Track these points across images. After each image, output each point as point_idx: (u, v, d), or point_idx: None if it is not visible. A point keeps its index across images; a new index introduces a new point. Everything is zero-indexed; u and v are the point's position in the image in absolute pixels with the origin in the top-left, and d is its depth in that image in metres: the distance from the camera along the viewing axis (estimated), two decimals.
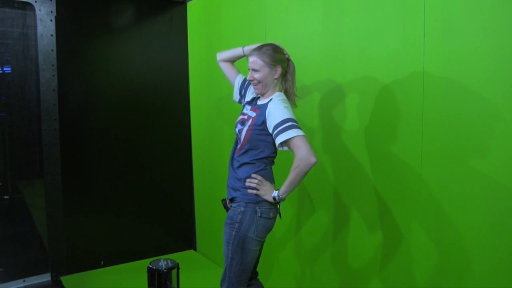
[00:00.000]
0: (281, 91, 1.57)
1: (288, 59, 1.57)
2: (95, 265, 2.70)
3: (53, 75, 2.39)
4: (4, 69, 2.44)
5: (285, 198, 1.48)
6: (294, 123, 1.40)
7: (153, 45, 2.79)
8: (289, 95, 1.56)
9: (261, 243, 1.55)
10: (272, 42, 1.61)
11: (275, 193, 1.47)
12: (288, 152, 1.48)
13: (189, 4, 2.89)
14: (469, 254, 1.38)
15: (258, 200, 1.49)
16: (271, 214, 1.51)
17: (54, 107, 2.39)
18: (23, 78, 2.45)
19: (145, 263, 2.10)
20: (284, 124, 1.39)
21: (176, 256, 2.75)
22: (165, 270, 1.91)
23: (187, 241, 3.06)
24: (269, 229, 1.54)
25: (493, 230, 1.31)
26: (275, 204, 1.51)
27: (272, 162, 1.57)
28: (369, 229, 1.74)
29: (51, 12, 2.36)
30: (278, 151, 1.54)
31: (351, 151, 1.77)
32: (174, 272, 1.96)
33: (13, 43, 2.41)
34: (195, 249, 3.08)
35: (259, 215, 1.48)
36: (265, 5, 2.19)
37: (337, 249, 1.90)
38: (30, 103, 2.50)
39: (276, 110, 1.43)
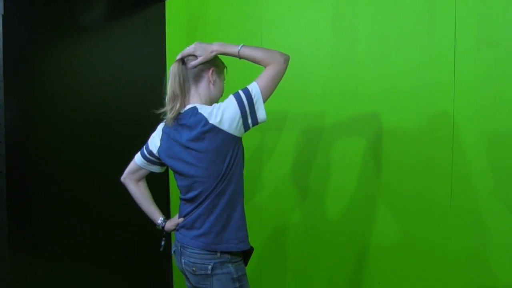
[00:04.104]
0: None
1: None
2: None
3: None
4: None
5: (163, 228, 1.51)
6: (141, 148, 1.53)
7: (125, 51, 2.58)
8: None
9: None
10: None
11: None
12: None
13: (168, 2, 2.75)
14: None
15: None
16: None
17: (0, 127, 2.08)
18: None
19: None
20: None
21: None
22: None
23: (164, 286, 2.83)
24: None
25: None
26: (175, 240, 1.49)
27: (181, 193, 1.47)
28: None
29: None
30: (181, 186, 1.45)
31: (365, 179, 1.70)
32: None
33: None
34: None
35: None
36: (261, 5, 2.05)
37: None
38: None
39: None
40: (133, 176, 1.50)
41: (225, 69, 1.41)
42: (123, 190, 2.58)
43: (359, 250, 1.72)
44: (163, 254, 2.77)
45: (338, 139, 1.76)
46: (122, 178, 1.51)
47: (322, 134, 1.83)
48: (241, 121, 1.26)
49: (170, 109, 1.32)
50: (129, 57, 2.58)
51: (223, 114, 1.25)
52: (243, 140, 1.35)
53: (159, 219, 1.50)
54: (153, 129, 2.55)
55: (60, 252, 2.34)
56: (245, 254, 1.38)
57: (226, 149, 1.28)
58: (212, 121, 1.25)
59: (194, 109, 1.30)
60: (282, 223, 1.99)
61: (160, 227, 1.49)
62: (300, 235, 1.94)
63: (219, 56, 1.38)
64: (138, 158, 1.50)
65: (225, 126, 1.25)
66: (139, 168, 1.49)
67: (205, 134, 1.26)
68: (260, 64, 1.32)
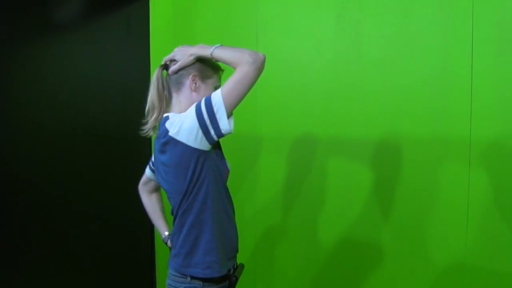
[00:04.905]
0: None
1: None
2: None
3: None
4: None
5: (166, 244, 1.52)
6: None
7: (103, 53, 2.48)
8: None
9: None
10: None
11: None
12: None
13: None
14: None
15: None
16: None
17: None
18: None
19: None
20: None
21: None
22: None
23: None
24: None
25: None
26: None
27: None
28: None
29: None
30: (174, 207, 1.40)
31: (370, 194, 1.65)
32: None
33: None
34: None
35: None
36: (257, 0, 1.97)
37: None
38: None
39: None
40: (145, 187, 1.53)
41: (219, 73, 1.28)
42: (98, 202, 2.43)
43: (360, 267, 1.67)
44: (147, 268, 2.72)
45: (342, 150, 1.71)
46: (138, 189, 1.56)
47: (325, 144, 1.77)
48: (200, 133, 1.15)
49: (149, 120, 1.30)
50: (108, 60, 2.48)
51: (182, 124, 1.18)
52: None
53: (164, 234, 1.50)
54: (135, 140, 2.43)
55: (35, 264, 2.21)
56: (229, 283, 1.28)
57: (187, 163, 1.20)
58: (170, 132, 1.19)
59: (166, 118, 1.25)
60: (279, 239, 1.92)
61: (164, 242, 1.52)
62: (298, 254, 1.87)
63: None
64: (147, 169, 1.54)
65: (183, 138, 1.17)
66: (149, 180, 1.52)
67: (165, 146, 1.22)
68: (231, 67, 1.20)
